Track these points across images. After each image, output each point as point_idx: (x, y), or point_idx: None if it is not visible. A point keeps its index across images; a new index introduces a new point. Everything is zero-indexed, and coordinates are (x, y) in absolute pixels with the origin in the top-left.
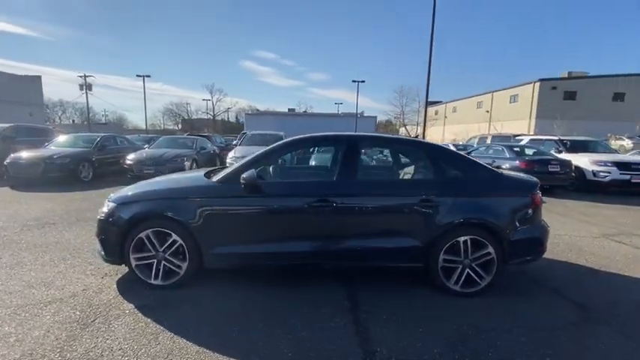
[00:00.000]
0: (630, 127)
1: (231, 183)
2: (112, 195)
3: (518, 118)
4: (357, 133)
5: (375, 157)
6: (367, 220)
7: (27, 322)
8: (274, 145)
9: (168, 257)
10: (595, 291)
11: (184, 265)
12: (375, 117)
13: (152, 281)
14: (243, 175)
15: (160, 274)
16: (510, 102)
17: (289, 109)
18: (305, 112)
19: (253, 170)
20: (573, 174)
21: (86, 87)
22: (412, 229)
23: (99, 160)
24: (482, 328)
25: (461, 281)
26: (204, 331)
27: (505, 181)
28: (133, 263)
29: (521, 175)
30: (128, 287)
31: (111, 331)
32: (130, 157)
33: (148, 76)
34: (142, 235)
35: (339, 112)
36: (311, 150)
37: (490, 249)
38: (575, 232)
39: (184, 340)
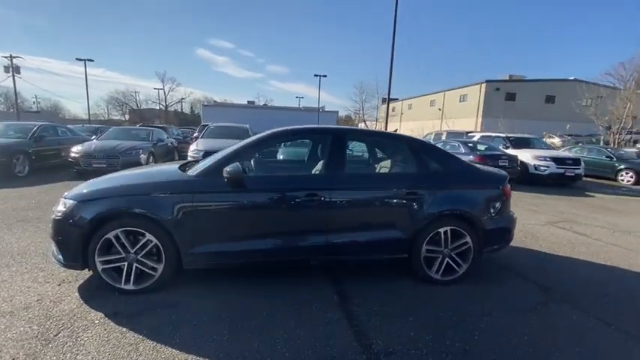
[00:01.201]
0: (560, 126)
1: (212, 177)
2: (70, 191)
3: (467, 116)
4: (343, 127)
5: (359, 150)
6: (355, 213)
7: None
8: (257, 136)
9: (140, 259)
10: (552, 273)
11: (160, 267)
12: (337, 112)
13: (122, 286)
14: (227, 169)
15: (132, 277)
16: (460, 101)
17: (249, 102)
18: (265, 104)
19: (238, 164)
20: (519, 168)
21: (12, 69)
22: (398, 221)
23: (36, 153)
24: (465, 314)
25: (441, 270)
26: (189, 336)
27: (480, 173)
28: (99, 267)
29: (492, 168)
30: (92, 294)
31: (80, 345)
32: (77, 150)
33: (91, 60)
34: (110, 235)
35: (301, 106)
36: (281, 144)
37: (467, 238)
38: (527, 221)
39: (169, 349)
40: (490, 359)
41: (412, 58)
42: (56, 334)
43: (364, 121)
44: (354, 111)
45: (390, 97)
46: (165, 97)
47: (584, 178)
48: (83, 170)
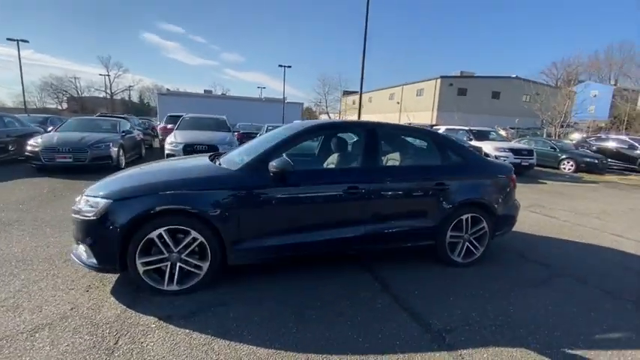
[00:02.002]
0: (504, 120)
1: (256, 171)
2: (93, 189)
3: (424, 110)
4: (375, 121)
5: (390, 144)
6: (390, 204)
7: None
8: (296, 131)
9: (184, 258)
10: (545, 252)
11: (205, 265)
12: (302, 104)
13: (165, 287)
14: (274, 164)
15: (175, 278)
16: (417, 95)
17: (206, 91)
18: (224, 94)
19: (286, 158)
20: None
21: None
22: (428, 210)
23: None
24: (492, 291)
25: (462, 254)
26: (258, 331)
27: (492, 164)
28: (141, 269)
29: (498, 160)
30: (132, 298)
31: (148, 350)
32: (36, 142)
33: (25, 41)
34: (153, 235)
35: (262, 97)
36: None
37: (484, 224)
38: None
39: (246, 345)
40: (531, 327)
41: (373, 52)
42: (116, 343)
43: (327, 112)
44: (314, 102)
45: (352, 90)
46: (111, 85)
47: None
48: (43, 166)
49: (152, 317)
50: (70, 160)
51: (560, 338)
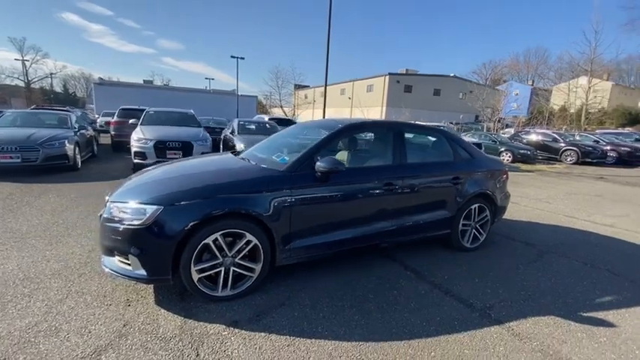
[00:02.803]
0: (445, 115)
1: (301, 171)
2: (133, 195)
3: (374, 105)
4: (399, 121)
5: (413, 142)
6: (418, 198)
7: None
8: (334, 130)
9: (238, 261)
10: (526, 234)
11: (258, 267)
12: (256, 97)
13: (219, 293)
14: (321, 164)
15: (229, 282)
16: (367, 91)
17: (145, 81)
18: (166, 85)
19: (333, 157)
20: None
21: None
22: (447, 202)
23: None
24: (503, 269)
25: (470, 240)
26: (331, 326)
27: (492, 160)
28: (196, 277)
29: (493, 156)
30: (183, 308)
31: (235, 357)
32: None
33: None
34: (209, 240)
35: (210, 89)
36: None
37: (487, 212)
38: None
39: (327, 341)
40: (549, 298)
41: (323, 47)
42: (197, 355)
43: (281, 107)
44: (263, 96)
45: (302, 84)
46: (27, 71)
47: None
48: None
49: (219, 325)
50: (18, 160)
51: (573, 304)
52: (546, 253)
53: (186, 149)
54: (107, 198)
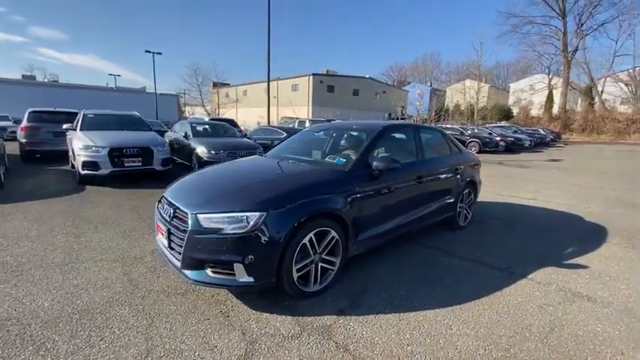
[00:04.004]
0: (364, 115)
1: (361, 169)
2: (221, 205)
3: (300, 104)
4: (415, 124)
5: (428, 140)
6: (435, 187)
7: None
8: (377, 132)
9: (324, 257)
10: (500, 213)
11: (337, 260)
12: (177, 95)
13: (311, 289)
14: (377, 163)
15: (318, 278)
16: (292, 90)
17: (24, 76)
18: (55, 81)
19: (389, 156)
20: None
21: None
22: (452, 190)
23: None
24: (496, 240)
25: (463, 219)
26: (420, 300)
27: (470, 153)
28: (296, 276)
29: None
30: (283, 308)
31: (377, 339)
32: None
33: None
34: (305, 240)
35: (114, 87)
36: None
37: (473, 195)
38: None
39: (427, 311)
40: (540, 258)
41: (247, 45)
42: (335, 342)
43: (203, 105)
44: (178, 93)
45: (222, 82)
46: None
47: None
48: None
49: (330, 315)
50: None
51: (558, 257)
52: (517, 224)
53: (145, 156)
54: (167, 209)
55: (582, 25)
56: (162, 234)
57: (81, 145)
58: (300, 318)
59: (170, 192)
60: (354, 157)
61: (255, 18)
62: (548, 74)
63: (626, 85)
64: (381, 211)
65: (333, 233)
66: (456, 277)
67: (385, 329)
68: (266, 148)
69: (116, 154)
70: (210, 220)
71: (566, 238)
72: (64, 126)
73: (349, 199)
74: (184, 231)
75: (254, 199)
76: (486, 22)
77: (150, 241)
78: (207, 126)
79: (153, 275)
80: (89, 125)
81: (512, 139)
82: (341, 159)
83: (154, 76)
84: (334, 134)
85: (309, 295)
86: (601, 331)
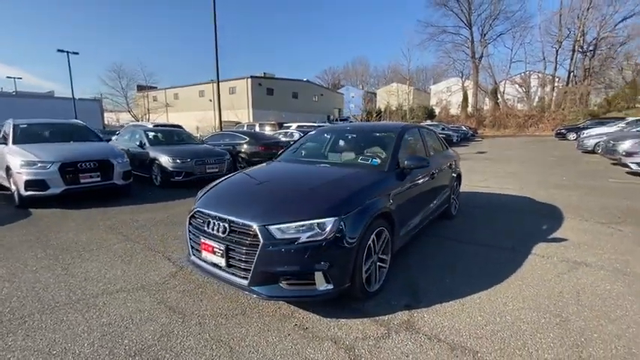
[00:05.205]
0: (304, 117)
1: (394, 170)
2: (284, 215)
3: (241, 108)
4: (420, 124)
5: (430, 139)
6: (441, 181)
7: None
8: (398, 136)
9: (380, 256)
10: (473, 200)
11: (388, 257)
12: (99, 101)
13: (373, 288)
14: (410, 162)
15: (377, 276)
16: (230, 93)
17: None
18: None
19: (417, 156)
20: None
21: None
22: (448, 183)
23: None
24: (485, 225)
25: (454, 209)
26: (460, 287)
27: (451, 150)
28: (364, 277)
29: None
30: (353, 311)
31: (458, 326)
32: None
33: None
34: (370, 241)
35: (12, 91)
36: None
37: (459, 186)
38: None
39: (470, 296)
40: (527, 233)
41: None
42: (425, 335)
43: (129, 111)
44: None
45: (151, 85)
46: None
47: None
48: None
49: (401, 312)
50: None
51: (544, 236)
52: (494, 211)
53: (104, 170)
54: (217, 224)
55: (485, 35)
56: (215, 252)
57: (21, 162)
58: (377, 318)
59: (208, 205)
60: (386, 158)
61: (180, 15)
62: (462, 77)
63: (520, 86)
64: (411, 206)
65: (386, 232)
66: (477, 260)
67: (458, 316)
68: (231, 154)
69: (69, 169)
70: (282, 230)
71: (536, 217)
72: None
73: (392, 197)
74: (252, 245)
75: (323, 205)
76: (410, 31)
77: (161, 263)
78: (161, 133)
79: (193, 299)
80: (25, 137)
81: (444, 135)
82: (374, 160)
83: (70, 78)
84: (354, 136)
85: (372, 296)
86: (610, 288)
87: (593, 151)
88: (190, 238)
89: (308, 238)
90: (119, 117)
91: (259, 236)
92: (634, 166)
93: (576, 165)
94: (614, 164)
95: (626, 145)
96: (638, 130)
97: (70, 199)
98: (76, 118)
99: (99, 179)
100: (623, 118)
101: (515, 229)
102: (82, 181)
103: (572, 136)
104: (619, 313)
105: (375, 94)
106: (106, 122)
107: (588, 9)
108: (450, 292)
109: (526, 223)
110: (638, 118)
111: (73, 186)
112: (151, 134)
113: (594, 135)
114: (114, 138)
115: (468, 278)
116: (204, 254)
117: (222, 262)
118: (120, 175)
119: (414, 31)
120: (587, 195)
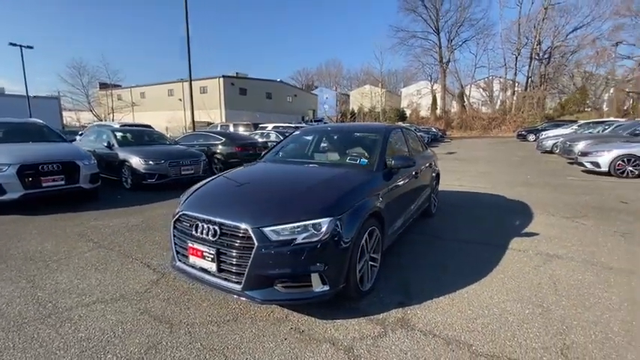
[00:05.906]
0: (277, 117)
1: (382, 170)
2: (279, 216)
3: (213, 108)
4: (403, 124)
5: (409, 139)
6: (422, 181)
7: None
8: (384, 136)
9: (372, 255)
10: (450, 198)
11: (379, 256)
12: (58, 99)
13: (366, 287)
14: (397, 162)
15: (369, 275)
16: (201, 92)
17: None
18: None
19: (404, 156)
20: None
21: None
22: (429, 182)
23: None
24: (465, 222)
25: (433, 207)
26: (455, 282)
27: (430, 148)
28: (358, 277)
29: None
30: (348, 311)
31: (452, 322)
32: None
33: None
34: (363, 240)
35: None
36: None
37: (438, 185)
38: None
39: (462, 290)
40: (503, 228)
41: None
42: (420, 331)
43: (91, 110)
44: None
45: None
46: None
47: None
48: None
49: (395, 309)
50: None
51: (518, 231)
52: (470, 208)
53: (69, 172)
54: (206, 227)
55: (452, 40)
56: (204, 257)
57: None
58: (372, 317)
59: (195, 208)
60: (374, 158)
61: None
62: (430, 81)
63: (484, 90)
64: (398, 205)
65: (377, 231)
66: (461, 256)
67: (449, 311)
68: (206, 155)
69: (29, 172)
70: (278, 232)
71: (508, 213)
72: None
73: (382, 196)
74: (245, 248)
75: (317, 206)
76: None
77: (140, 270)
78: (130, 133)
79: (179, 307)
80: None
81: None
82: (362, 160)
83: (24, 74)
84: (337, 136)
85: (365, 295)
86: (582, 278)
87: (551, 151)
88: (176, 243)
89: (304, 239)
90: (80, 116)
91: (253, 239)
92: (589, 165)
93: (538, 164)
94: (570, 163)
95: (580, 146)
96: (590, 132)
97: (32, 204)
98: (31, 117)
99: (63, 183)
100: (575, 121)
101: (492, 225)
102: (44, 184)
103: (531, 137)
104: (592, 300)
105: (348, 95)
106: (65, 122)
107: (543, 19)
108: (442, 289)
109: (500, 219)
110: (588, 121)
111: (33, 190)
112: (120, 134)
113: (552, 136)
114: (77, 138)
115: (455, 274)
116: (192, 259)
117: (212, 266)
118: (87, 178)
119: (386, 35)
120: (550, 192)
